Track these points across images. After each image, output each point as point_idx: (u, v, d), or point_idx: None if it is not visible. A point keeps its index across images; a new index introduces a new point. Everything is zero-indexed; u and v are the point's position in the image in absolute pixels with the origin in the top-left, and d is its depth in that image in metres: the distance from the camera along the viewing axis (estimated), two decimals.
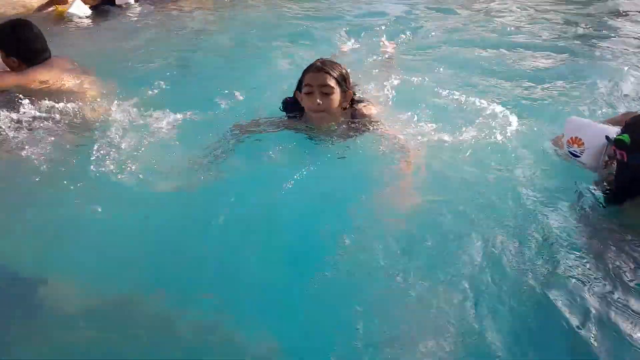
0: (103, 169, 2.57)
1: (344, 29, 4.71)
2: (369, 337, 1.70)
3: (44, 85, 3.18)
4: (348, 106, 2.71)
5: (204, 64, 4.02)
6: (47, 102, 3.12)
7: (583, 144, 2.28)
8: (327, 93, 2.54)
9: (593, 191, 2.27)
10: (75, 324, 1.83)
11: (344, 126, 2.69)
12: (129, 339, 1.76)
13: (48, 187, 2.50)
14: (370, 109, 2.78)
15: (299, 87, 2.66)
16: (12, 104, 3.10)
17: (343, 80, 2.59)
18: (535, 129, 2.81)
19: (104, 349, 1.74)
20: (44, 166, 2.60)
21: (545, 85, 3.49)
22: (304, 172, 2.44)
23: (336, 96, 2.57)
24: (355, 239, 2.09)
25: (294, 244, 2.14)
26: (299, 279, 1.95)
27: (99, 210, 2.30)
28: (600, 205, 2.20)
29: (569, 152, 2.34)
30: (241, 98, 3.19)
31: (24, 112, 3.06)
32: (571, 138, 2.30)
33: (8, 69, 3.20)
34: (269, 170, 2.54)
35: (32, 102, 3.09)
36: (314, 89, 2.54)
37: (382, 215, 2.23)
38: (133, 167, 2.55)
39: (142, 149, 2.70)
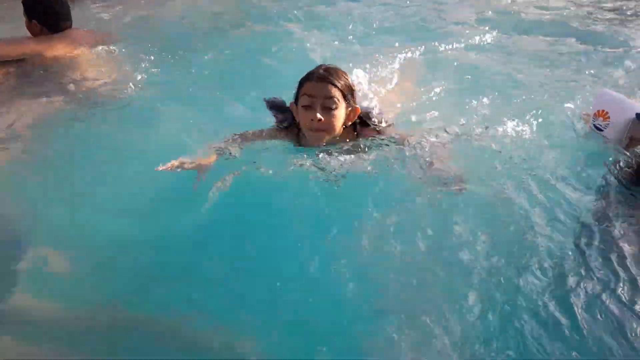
0: (101, 154, 2.53)
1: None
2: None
3: (61, 55, 3.18)
4: (352, 126, 2.26)
5: (224, 41, 3.98)
6: (60, 73, 3.13)
7: (609, 117, 2.26)
8: (330, 107, 2.11)
9: (616, 172, 2.20)
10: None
11: (346, 148, 2.23)
12: (116, 345, 1.69)
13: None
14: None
15: (296, 99, 2.23)
16: (27, 72, 3.10)
17: (350, 93, 2.17)
18: (560, 112, 2.70)
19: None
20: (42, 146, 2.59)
21: (573, 69, 3.43)
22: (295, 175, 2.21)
23: (340, 112, 2.14)
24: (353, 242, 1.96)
25: (290, 248, 1.99)
26: (297, 285, 1.85)
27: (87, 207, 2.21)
28: (624, 187, 2.14)
29: (593, 125, 2.32)
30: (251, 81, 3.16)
31: (38, 81, 3.06)
32: (598, 111, 2.28)
33: (29, 36, 3.19)
34: (262, 177, 2.24)
35: (45, 71, 3.10)
36: (315, 102, 2.11)
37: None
38: (133, 155, 2.47)
39: (147, 133, 2.63)
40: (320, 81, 2.11)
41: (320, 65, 2.21)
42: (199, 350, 1.67)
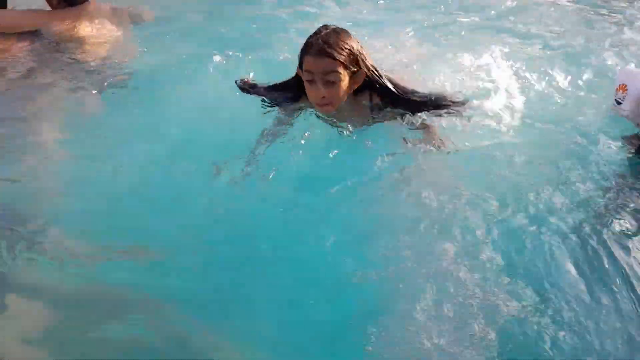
0: (109, 137, 2.47)
1: None
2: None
3: (75, 29, 3.12)
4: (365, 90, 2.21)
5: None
6: (73, 48, 3.08)
7: (627, 90, 2.33)
8: (332, 81, 2.04)
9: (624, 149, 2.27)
10: None
11: (359, 118, 2.24)
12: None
13: None
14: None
15: (300, 66, 2.13)
16: (39, 46, 3.05)
17: (353, 61, 2.07)
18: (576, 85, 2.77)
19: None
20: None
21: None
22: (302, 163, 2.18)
23: (344, 83, 2.07)
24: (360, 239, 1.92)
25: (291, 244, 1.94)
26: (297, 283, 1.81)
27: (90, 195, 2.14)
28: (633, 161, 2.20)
29: (615, 100, 2.38)
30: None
31: (50, 57, 3.01)
32: (620, 85, 2.35)
33: (47, 9, 3.16)
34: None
35: (58, 45, 3.05)
36: (316, 78, 2.04)
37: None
38: (141, 140, 2.41)
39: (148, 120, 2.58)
40: (319, 56, 2.01)
41: (319, 32, 2.08)
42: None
